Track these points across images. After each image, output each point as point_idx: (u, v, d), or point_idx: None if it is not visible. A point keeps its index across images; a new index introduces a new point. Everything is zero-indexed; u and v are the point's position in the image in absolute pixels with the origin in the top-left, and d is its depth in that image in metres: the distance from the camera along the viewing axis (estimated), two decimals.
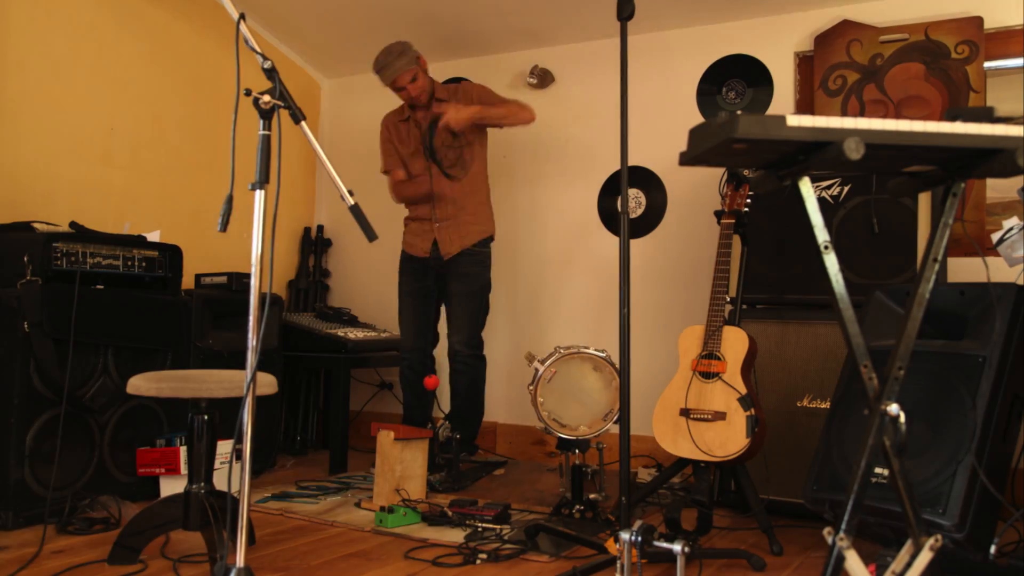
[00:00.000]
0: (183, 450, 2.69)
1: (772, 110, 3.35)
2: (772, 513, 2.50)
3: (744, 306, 2.85)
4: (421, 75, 3.31)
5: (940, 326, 2.20)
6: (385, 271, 4.24)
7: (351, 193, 1.75)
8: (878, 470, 2.09)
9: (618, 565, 1.77)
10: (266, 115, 1.64)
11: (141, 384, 2.08)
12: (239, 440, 1.60)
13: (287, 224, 4.17)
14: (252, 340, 1.61)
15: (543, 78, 3.81)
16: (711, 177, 3.40)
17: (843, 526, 1.40)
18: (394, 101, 3.44)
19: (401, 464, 2.75)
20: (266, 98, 1.63)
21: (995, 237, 2.25)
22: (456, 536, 2.38)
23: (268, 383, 2.14)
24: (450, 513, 2.54)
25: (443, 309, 3.48)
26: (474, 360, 3.43)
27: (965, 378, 2.01)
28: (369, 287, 4.18)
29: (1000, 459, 2.03)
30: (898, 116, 3.11)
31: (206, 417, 2.13)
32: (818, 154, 1.31)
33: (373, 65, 3.28)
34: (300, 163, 4.21)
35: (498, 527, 2.45)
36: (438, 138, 3.29)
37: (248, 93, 1.63)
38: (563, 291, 3.76)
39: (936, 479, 1.98)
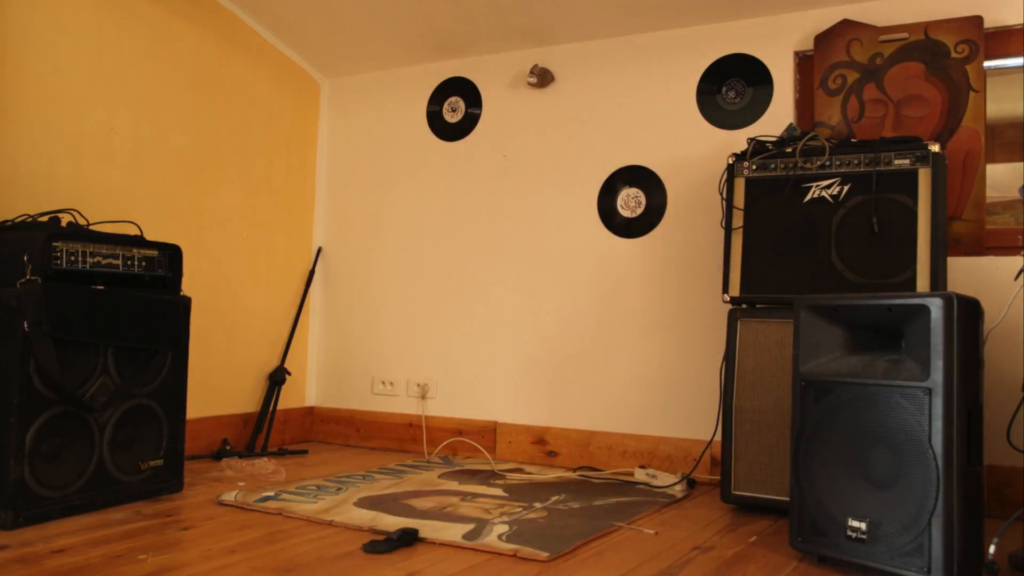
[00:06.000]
0: None
1: (772, 109, 3.36)
2: (781, 515, 2.48)
3: (743, 305, 2.85)
4: None
5: (875, 340, 2.16)
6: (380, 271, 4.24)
7: None
8: (855, 523, 2.07)
9: None
10: None
11: None
12: None
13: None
14: None
15: (543, 78, 3.81)
16: (711, 176, 3.41)
17: None
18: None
19: None
20: None
21: None
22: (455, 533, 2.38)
23: None
24: None
25: None
26: None
27: (916, 411, 1.98)
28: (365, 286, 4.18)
29: (971, 479, 1.99)
30: (898, 115, 3.11)
31: None
32: None
33: None
34: (301, 174, 4.21)
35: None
36: None
37: None
38: (563, 290, 3.76)
39: (910, 532, 1.96)
